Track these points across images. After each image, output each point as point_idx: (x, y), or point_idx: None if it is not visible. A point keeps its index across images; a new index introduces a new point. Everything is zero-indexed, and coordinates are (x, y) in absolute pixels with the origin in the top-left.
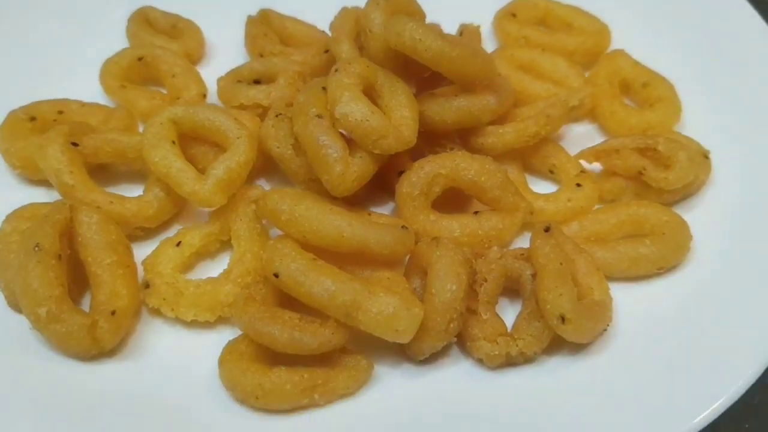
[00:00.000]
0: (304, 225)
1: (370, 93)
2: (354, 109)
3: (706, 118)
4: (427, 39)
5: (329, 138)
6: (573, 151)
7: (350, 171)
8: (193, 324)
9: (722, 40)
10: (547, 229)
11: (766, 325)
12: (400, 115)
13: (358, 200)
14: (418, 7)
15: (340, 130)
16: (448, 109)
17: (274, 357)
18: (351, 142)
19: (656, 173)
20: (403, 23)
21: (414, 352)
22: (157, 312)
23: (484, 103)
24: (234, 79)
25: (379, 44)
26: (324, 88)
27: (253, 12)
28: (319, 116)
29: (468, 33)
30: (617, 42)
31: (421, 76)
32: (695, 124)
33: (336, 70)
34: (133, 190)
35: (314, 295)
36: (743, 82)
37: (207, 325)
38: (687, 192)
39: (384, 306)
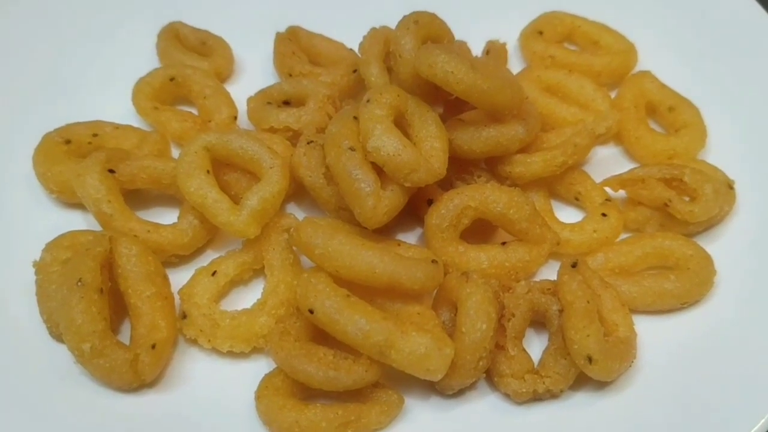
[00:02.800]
0: (338, 260)
1: (401, 122)
2: (386, 143)
3: (732, 144)
4: (460, 72)
5: (362, 172)
6: (598, 174)
7: (382, 204)
8: (229, 354)
9: (751, 64)
10: (574, 265)
11: None
12: (430, 146)
13: (387, 227)
14: (447, 30)
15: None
16: (478, 139)
17: (308, 390)
18: (382, 174)
19: (682, 206)
20: (435, 55)
21: (443, 388)
22: (194, 341)
23: (513, 134)
24: (263, 100)
25: (409, 70)
26: (355, 118)
27: (281, 28)
28: (352, 149)
29: (494, 51)
30: (643, 60)
31: (449, 98)
32: (720, 150)
33: (368, 101)
34: (164, 214)
35: (348, 334)
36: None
37: (242, 355)
38: (711, 223)
39: (416, 346)
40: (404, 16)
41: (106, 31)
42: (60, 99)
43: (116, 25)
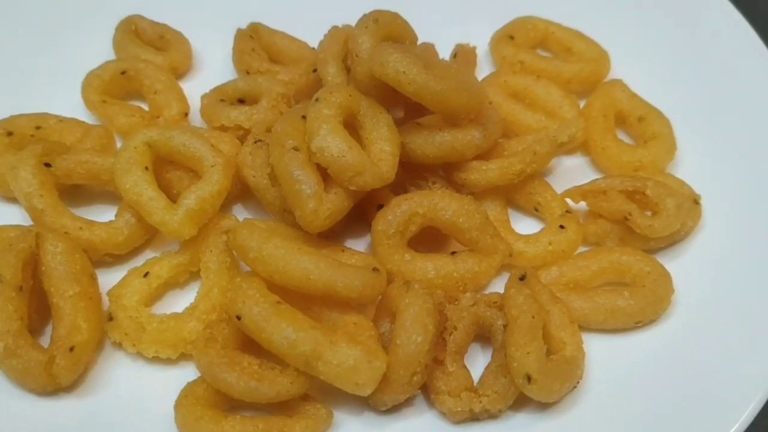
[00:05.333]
0: (271, 265)
1: (353, 123)
2: (331, 143)
3: (702, 158)
4: (411, 72)
5: (304, 173)
6: (563, 185)
7: (323, 208)
8: (156, 359)
9: (729, 77)
10: (522, 278)
11: (742, 386)
12: (380, 149)
13: (334, 233)
14: (409, 30)
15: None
16: (431, 143)
17: (231, 401)
18: (327, 176)
19: (642, 220)
20: (387, 54)
21: (375, 403)
22: (119, 345)
23: (468, 139)
24: (218, 97)
25: (365, 70)
26: (304, 117)
27: (246, 24)
28: (296, 149)
29: (463, 54)
30: (618, 69)
31: (410, 102)
32: (690, 163)
33: (316, 100)
34: (109, 212)
35: (274, 343)
36: (745, 124)
37: (169, 361)
38: (674, 239)
39: (345, 358)
40: (364, 15)
41: (65, 23)
42: (11, 90)
43: (77, 18)
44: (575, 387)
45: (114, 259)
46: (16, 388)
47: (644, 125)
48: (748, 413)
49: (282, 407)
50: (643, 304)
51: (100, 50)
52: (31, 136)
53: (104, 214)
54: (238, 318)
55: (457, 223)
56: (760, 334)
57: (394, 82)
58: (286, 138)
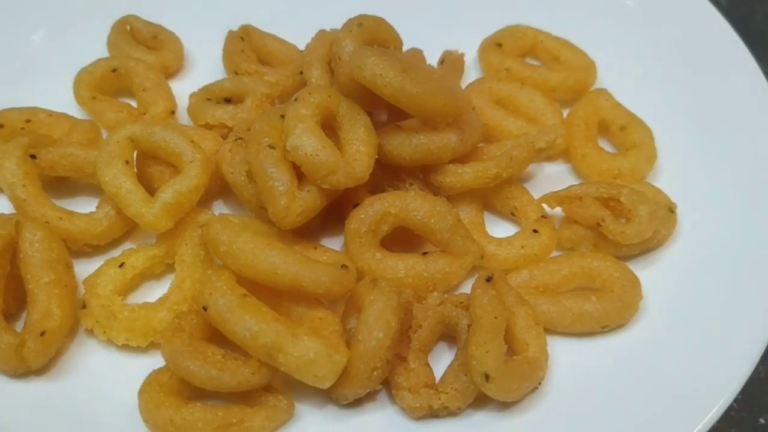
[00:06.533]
0: (240, 258)
1: (331, 123)
2: (305, 142)
3: (683, 168)
4: (388, 75)
5: (277, 170)
6: (543, 190)
7: (295, 205)
8: (126, 348)
9: (716, 90)
10: (488, 279)
11: (702, 396)
12: (355, 150)
13: (310, 231)
14: (394, 35)
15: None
16: (408, 145)
17: (195, 390)
18: (303, 175)
19: (614, 226)
20: (365, 56)
21: (337, 397)
22: (91, 332)
23: (445, 142)
24: (205, 96)
25: (347, 72)
26: (283, 116)
27: (238, 26)
28: (271, 146)
29: (450, 60)
30: (604, 78)
31: (392, 105)
32: (670, 173)
33: (295, 99)
34: (93, 204)
35: (237, 334)
36: (728, 137)
37: (140, 349)
38: (648, 246)
39: (305, 350)
40: (349, 19)
41: (62, 21)
42: (6, 84)
43: (74, 17)
44: (536, 388)
45: (93, 249)
46: None
47: (626, 134)
48: (704, 423)
49: (244, 397)
50: (610, 309)
51: (95, 49)
52: (21, 129)
53: (88, 206)
54: (205, 309)
55: (428, 224)
56: (724, 346)
57: (371, 84)
58: (263, 136)
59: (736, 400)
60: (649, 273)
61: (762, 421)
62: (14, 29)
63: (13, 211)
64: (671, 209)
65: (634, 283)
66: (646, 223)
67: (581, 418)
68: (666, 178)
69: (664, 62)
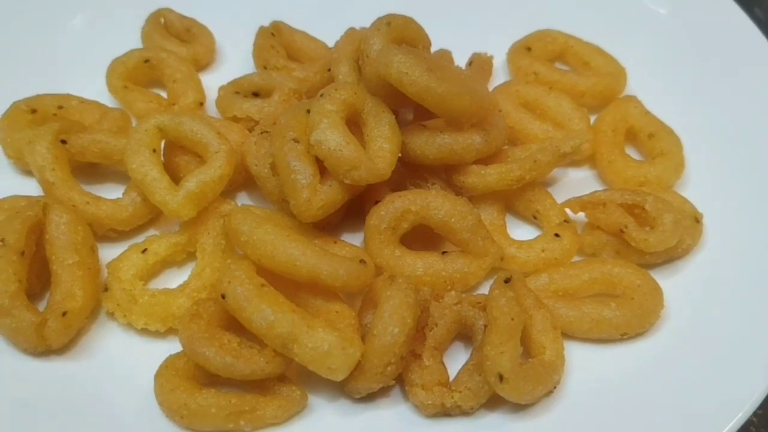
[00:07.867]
0: (260, 249)
1: (356, 120)
2: (329, 137)
3: (711, 178)
4: (414, 73)
5: (300, 163)
6: (567, 195)
7: (317, 198)
8: (145, 332)
9: (745, 100)
10: (507, 280)
11: (720, 409)
12: (378, 147)
13: (331, 226)
14: (423, 35)
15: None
16: (432, 144)
17: (210, 377)
18: (324, 169)
19: (637, 233)
20: (392, 54)
21: (350, 390)
22: (112, 315)
23: (469, 143)
24: (233, 89)
25: (374, 70)
26: (309, 111)
27: (269, 22)
28: (296, 140)
29: (478, 62)
30: (634, 85)
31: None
32: (698, 183)
33: (321, 95)
34: (120, 191)
35: (254, 323)
36: (757, 149)
37: (158, 334)
38: (671, 255)
39: (320, 342)
40: (378, 18)
41: (99, 11)
42: (41, 71)
43: (110, 7)
44: (551, 392)
45: (118, 234)
46: (10, 346)
47: (654, 142)
48: None
49: (258, 386)
50: (630, 317)
51: (129, 39)
52: (54, 115)
53: (115, 192)
54: (223, 297)
55: (449, 223)
56: (744, 359)
57: (397, 82)
58: (288, 129)
59: (755, 414)
60: (672, 282)
61: None
62: (51, 17)
63: (42, 194)
64: (697, 219)
65: (656, 291)
66: (670, 231)
67: (596, 425)
68: (693, 188)
69: (695, 71)
